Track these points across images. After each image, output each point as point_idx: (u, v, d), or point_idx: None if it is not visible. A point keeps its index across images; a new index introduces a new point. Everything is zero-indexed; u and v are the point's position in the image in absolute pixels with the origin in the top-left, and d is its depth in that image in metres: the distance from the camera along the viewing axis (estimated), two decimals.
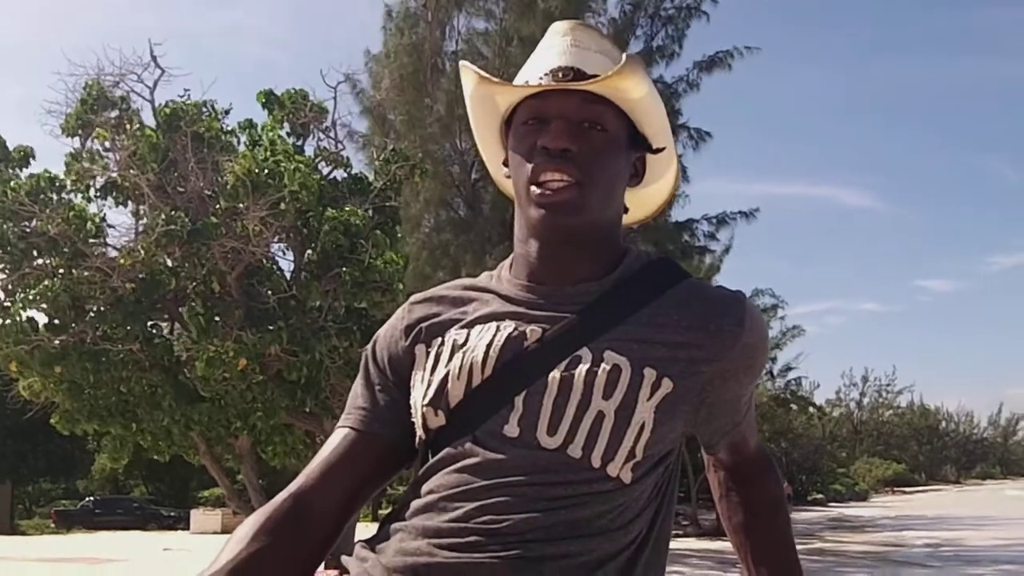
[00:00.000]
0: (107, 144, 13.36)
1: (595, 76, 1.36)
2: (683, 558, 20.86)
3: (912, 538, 28.87)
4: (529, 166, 1.37)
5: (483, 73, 1.43)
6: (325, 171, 14.53)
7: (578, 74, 1.37)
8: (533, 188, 1.37)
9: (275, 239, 13.41)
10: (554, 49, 1.42)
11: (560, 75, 1.38)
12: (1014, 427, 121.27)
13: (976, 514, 41.44)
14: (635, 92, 1.37)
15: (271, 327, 12.18)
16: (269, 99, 14.24)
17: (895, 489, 79.93)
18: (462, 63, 1.48)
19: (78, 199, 13.18)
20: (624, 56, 1.36)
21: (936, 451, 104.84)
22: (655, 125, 1.44)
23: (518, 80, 1.42)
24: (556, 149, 1.35)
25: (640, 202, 1.57)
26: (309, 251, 13.29)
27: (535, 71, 1.41)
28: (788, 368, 38.80)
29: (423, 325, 1.45)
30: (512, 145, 1.43)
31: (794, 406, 41.76)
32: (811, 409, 48.13)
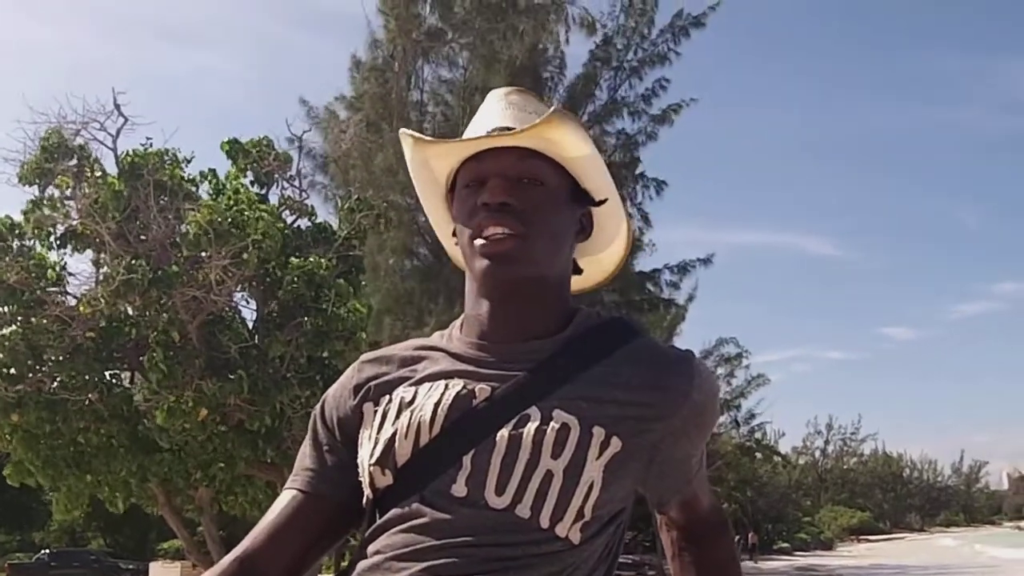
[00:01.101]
0: (68, 192, 13.27)
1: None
2: None
3: None
4: (473, 223, 1.38)
5: (417, 135, 1.44)
6: (289, 220, 14.49)
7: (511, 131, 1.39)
8: (477, 242, 1.37)
9: (237, 288, 13.33)
10: (491, 112, 1.45)
11: (495, 134, 1.39)
12: (976, 474, 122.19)
13: (942, 562, 41.56)
14: (567, 143, 1.38)
15: (232, 376, 12.07)
16: (233, 147, 14.22)
17: (860, 537, 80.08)
18: (401, 131, 1.49)
19: (38, 247, 13.05)
20: (551, 108, 1.37)
21: (900, 499, 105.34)
22: (596, 178, 1.45)
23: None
24: (495, 203, 1.35)
25: (596, 264, 1.57)
26: (272, 301, 13.21)
27: (473, 134, 1.42)
28: (752, 415, 38.97)
29: (372, 384, 1.43)
30: (456, 210, 1.44)
31: (759, 454, 41.85)
32: (776, 457, 48.30)
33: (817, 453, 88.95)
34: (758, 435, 40.59)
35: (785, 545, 60.02)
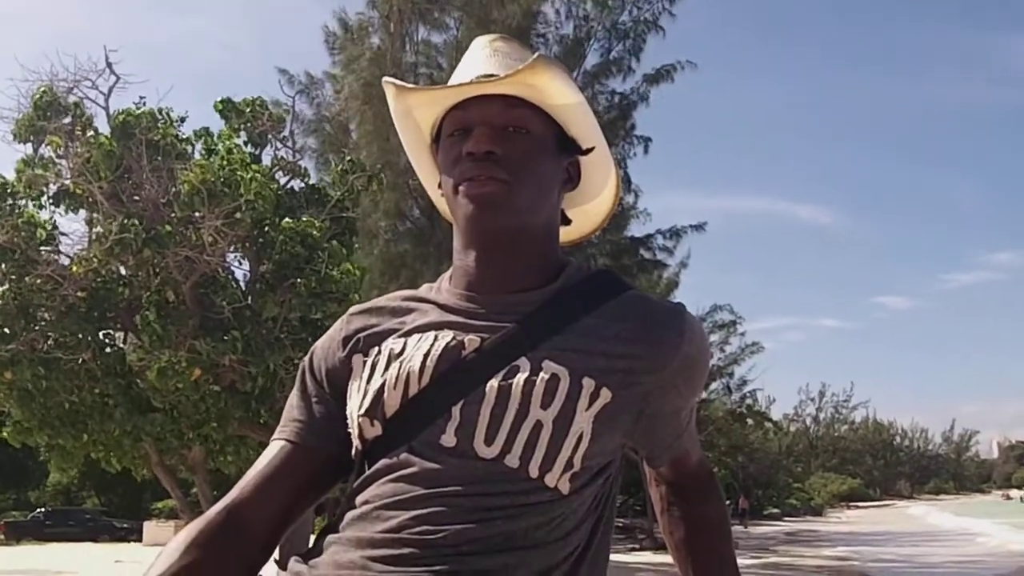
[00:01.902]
0: (60, 151, 13.19)
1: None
2: (639, 571, 20.89)
3: (868, 553, 29.14)
4: (457, 172, 1.37)
5: (399, 83, 1.43)
6: (282, 181, 14.44)
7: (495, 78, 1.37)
8: (460, 188, 1.36)
9: (231, 249, 13.29)
10: (475, 60, 1.44)
11: (479, 80, 1.38)
12: (967, 443, 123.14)
13: (930, 530, 41.92)
14: (552, 90, 1.37)
15: (225, 337, 12.07)
16: (227, 107, 14.13)
17: (850, 504, 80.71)
18: (384, 79, 1.48)
19: (29, 206, 13.00)
20: (535, 54, 1.35)
21: (890, 466, 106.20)
22: (582, 126, 1.44)
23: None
24: (480, 153, 1.34)
25: (584, 215, 1.56)
26: (265, 261, 13.18)
27: (456, 82, 1.41)
28: (744, 382, 39.12)
29: (361, 335, 1.43)
30: (441, 159, 1.43)
31: (750, 421, 42.05)
32: (767, 424, 48.53)
33: (808, 420, 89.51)
34: (749, 401, 40.79)
35: (775, 511, 60.50)
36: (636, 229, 24.17)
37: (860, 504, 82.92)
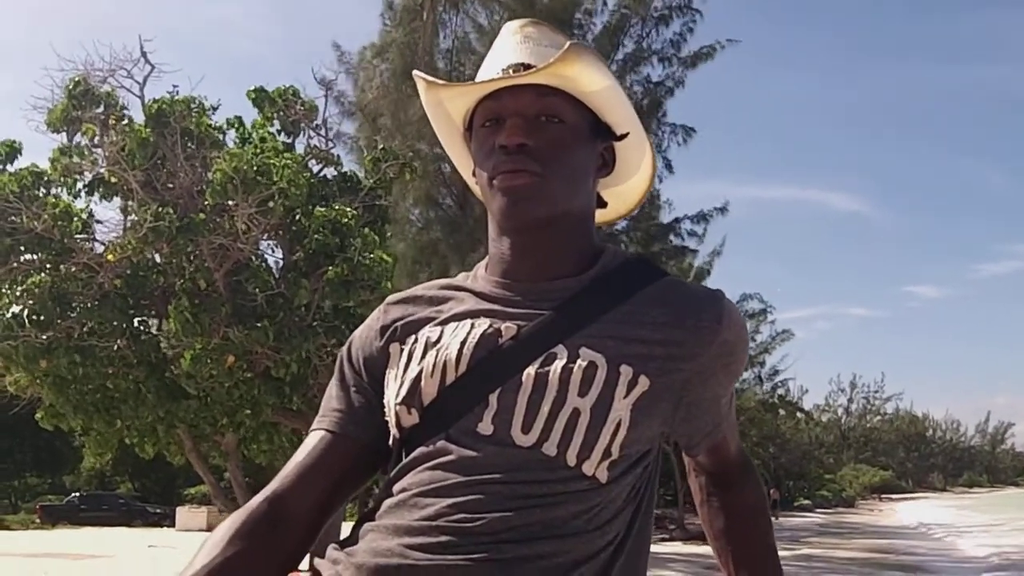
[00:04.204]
0: (95, 140, 13.29)
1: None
2: (669, 562, 20.86)
3: (901, 546, 28.97)
4: (490, 165, 1.36)
5: (430, 78, 1.42)
6: (315, 169, 14.48)
7: (528, 69, 1.36)
8: (495, 182, 1.36)
9: (263, 236, 13.36)
10: (505, 47, 1.42)
11: (511, 71, 1.37)
12: (1002, 435, 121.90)
13: (967, 522, 41.59)
14: (585, 79, 1.35)
15: (258, 324, 12.14)
16: (259, 96, 14.18)
17: (882, 496, 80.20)
18: (415, 72, 1.48)
19: (65, 195, 13.11)
20: (568, 43, 1.34)
21: (923, 458, 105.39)
22: (617, 112, 1.42)
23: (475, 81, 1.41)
24: (512, 145, 1.34)
25: (620, 197, 1.55)
26: (298, 249, 13.24)
27: (488, 71, 1.40)
28: (775, 372, 38.95)
29: (398, 324, 1.43)
30: (474, 149, 1.43)
31: (782, 411, 41.88)
32: (799, 414, 48.31)
33: (840, 411, 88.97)
34: (781, 391, 40.64)
35: (807, 502, 60.19)
36: (665, 215, 24.31)
37: (892, 496, 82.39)
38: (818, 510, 58.35)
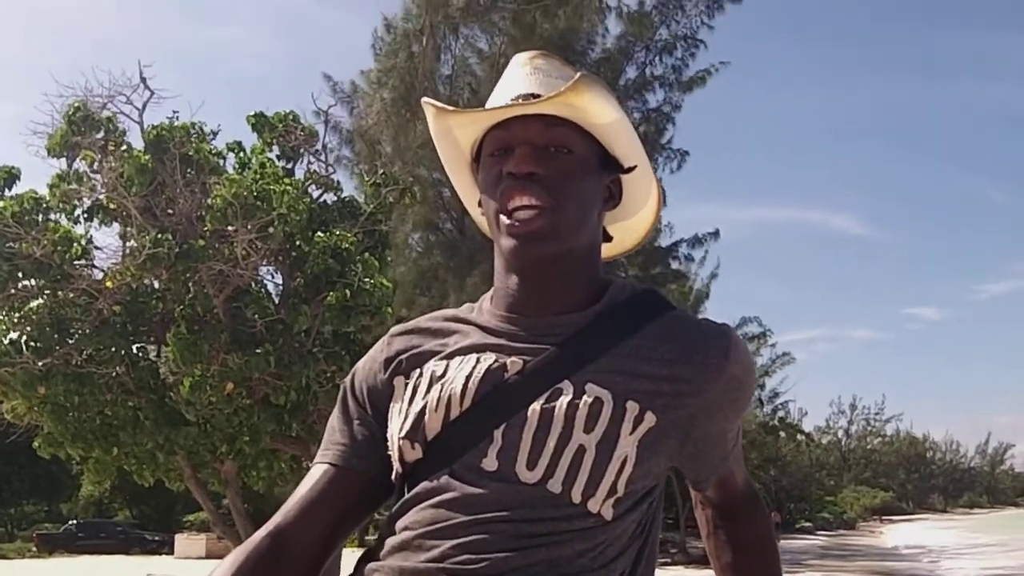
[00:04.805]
0: (94, 166, 13.29)
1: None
2: None
3: (903, 568, 28.87)
4: (497, 194, 1.35)
5: (440, 104, 1.42)
6: (315, 194, 14.49)
7: (537, 99, 1.35)
8: (503, 218, 1.35)
9: (263, 262, 13.34)
10: (515, 78, 1.42)
11: (520, 101, 1.36)
12: (1001, 456, 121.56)
13: (967, 543, 41.46)
14: (595, 110, 1.35)
15: (258, 350, 12.11)
16: (259, 121, 14.20)
17: (883, 518, 79.97)
18: (424, 100, 1.47)
19: (63, 220, 13.11)
20: (578, 74, 1.33)
21: (923, 480, 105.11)
22: (624, 144, 1.42)
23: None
24: (521, 173, 1.33)
25: (626, 232, 1.55)
26: (298, 275, 13.22)
27: (498, 101, 1.40)
28: (776, 394, 38.90)
29: (403, 356, 1.42)
30: (481, 178, 1.42)
31: (783, 433, 41.79)
32: (799, 436, 48.20)
33: (840, 433, 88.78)
34: (781, 414, 40.55)
35: (807, 524, 59.95)
36: (664, 239, 24.49)
37: (893, 517, 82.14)
38: (820, 532, 58.14)
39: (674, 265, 24.54)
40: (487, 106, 1.41)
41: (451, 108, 1.42)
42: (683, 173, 22.72)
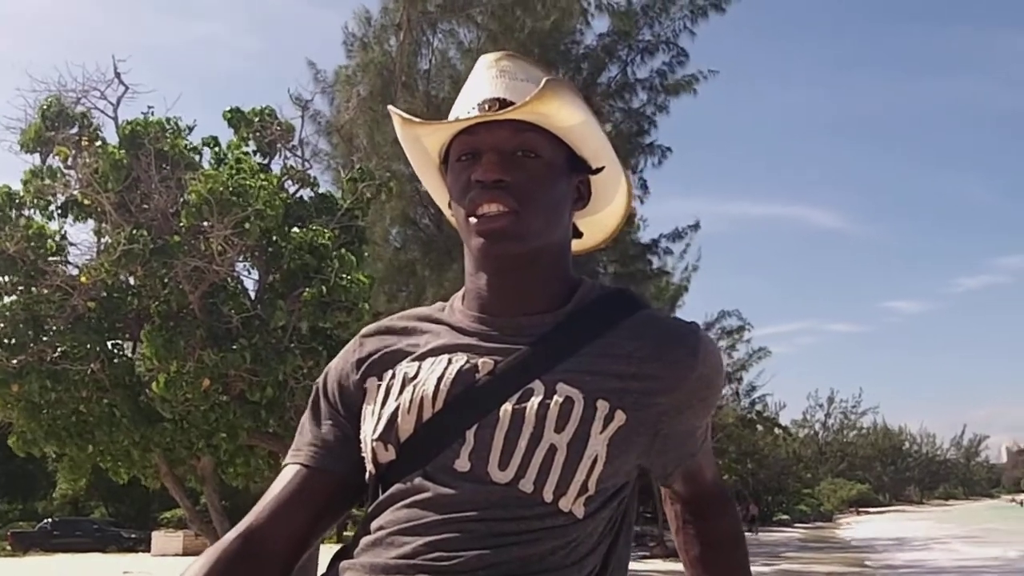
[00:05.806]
0: (68, 161, 13.20)
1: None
2: None
3: (879, 559, 29.09)
4: (466, 201, 1.36)
5: (406, 115, 1.42)
6: (292, 190, 14.44)
7: (504, 104, 1.36)
8: (472, 220, 1.35)
9: (239, 258, 13.29)
10: (481, 81, 1.42)
11: (487, 107, 1.37)
12: (976, 448, 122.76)
13: (942, 534, 41.85)
14: (562, 115, 1.35)
15: (234, 347, 12.06)
16: (235, 116, 14.14)
17: (859, 510, 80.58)
18: (389, 108, 1.49)
19: (37, 216, 13.01)
20: (544, 80, 1.34)
21: (899, 472, 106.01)
22: (592, 146, 1.42)
23: (450, 117, 1.40)
24: (489, 181, 1.33)
25: (596, 226, 1.55)
26: (274, 270, 13.18)
27: (464, 106, 1.40)
28: (753, 388, 39.11)
29: (375, 357, 1.43)
30: (450, 183, 1.42)
31: (760, 427, 42.04)
32: (777, 430, 48.50)
33: (817, 426, 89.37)
34: (759, 407, 40.79)
35: (785, 517, 60.40)
36: (644, 233, 24.37)
37: (869, 509, 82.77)
38: (797, 525, 58.55)
39: (654, 260, 24.39)
40: (454, 109, 1.41)
41: (417, 120, 1.42)
42: (665, 168, 22.67)
